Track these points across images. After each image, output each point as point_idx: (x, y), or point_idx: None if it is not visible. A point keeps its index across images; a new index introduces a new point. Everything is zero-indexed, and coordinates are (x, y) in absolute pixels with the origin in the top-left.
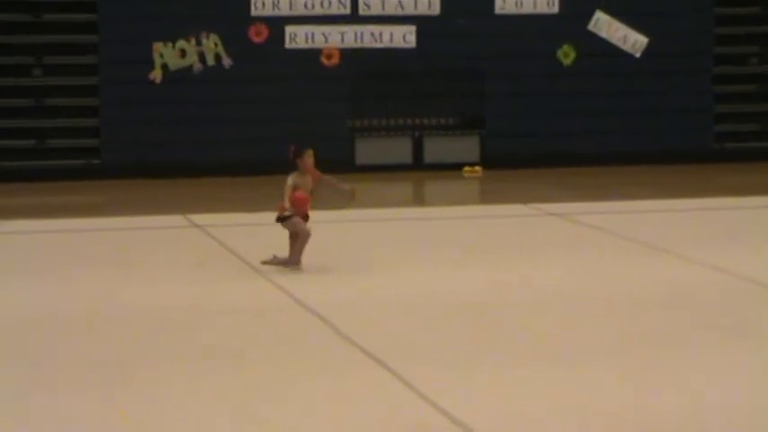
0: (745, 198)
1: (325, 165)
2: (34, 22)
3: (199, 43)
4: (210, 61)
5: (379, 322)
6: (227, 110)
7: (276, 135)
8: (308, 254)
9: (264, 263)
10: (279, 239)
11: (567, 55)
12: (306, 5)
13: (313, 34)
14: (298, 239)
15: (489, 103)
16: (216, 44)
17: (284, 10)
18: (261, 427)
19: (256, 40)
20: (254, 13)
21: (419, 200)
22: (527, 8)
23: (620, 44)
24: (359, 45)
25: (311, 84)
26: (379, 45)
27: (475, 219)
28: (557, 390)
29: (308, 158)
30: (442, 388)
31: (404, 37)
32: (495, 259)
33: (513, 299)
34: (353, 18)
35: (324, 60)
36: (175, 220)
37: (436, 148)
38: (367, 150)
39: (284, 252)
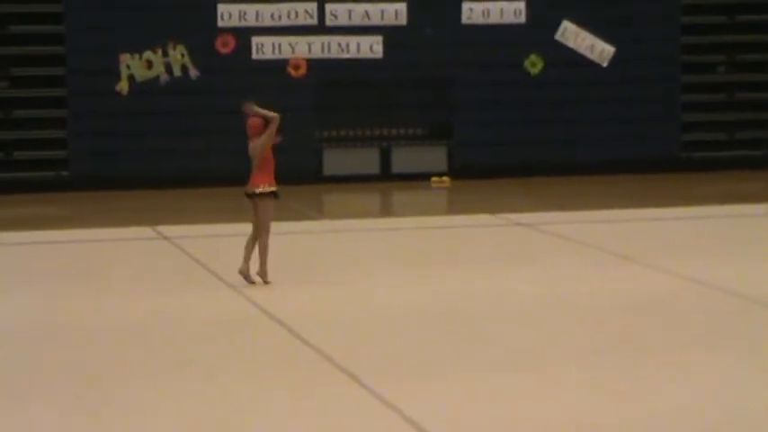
0: (713, 207)
1: (293, 175)
2: (1, 34)
3: (165, 54)
4: (177, 72)
5: (348, 333)
6: (194, 121)
7: (243, 146)
8: (276, 265)
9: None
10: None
11: (534, 64)
12: (273, 16)
13: (280, 45)
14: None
15: (457, 113)
16: (183, 55)
17: (251, 21)
18: None
19: (223, 50)
20: (220, 24)
21: (387, 210)
22: (494, 18)
23: (587, 53)
24: (326, 56)
25: (278, 94)
26: (346, 55)
27: (443, 229)
28: (527, 399)
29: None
30: (411, 398)
31: (371, 47)
32: (464, 269)
33: (483, 308)
34: (320, 29)
35: (291, 71)
36: (144, 231)
37: (404, 159)
38: (335, 161)
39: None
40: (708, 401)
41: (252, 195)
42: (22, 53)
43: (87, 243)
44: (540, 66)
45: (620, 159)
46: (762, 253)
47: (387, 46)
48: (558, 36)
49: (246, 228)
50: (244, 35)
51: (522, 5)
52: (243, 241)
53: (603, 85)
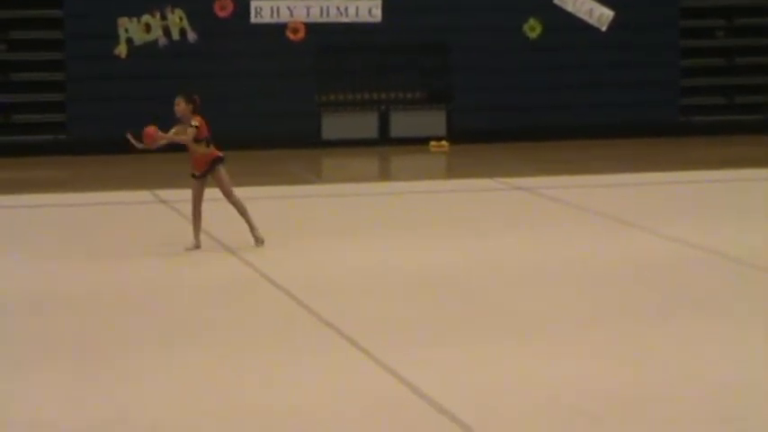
0: (712, 171)
1: (291, 139)
2: None
3: (164, 18)
4: (175, 36)
5: (347, 298)
6: (192, 85)
7: (242, 110)
8: (275, 229)
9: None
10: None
11: (533, 29)
12: None
13: (278, 8)
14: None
15: (456, 77)
16: (181, 18)
17: None
18: (229, 402)
19: (221, 14)
20: None
21: (386, 175)
22: None
23: (586, 17)
24: (324, 19)
25: (277, 59)
26: (344, 19)
27: (442, 193)
28: (526, 363)
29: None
30: (412, 364)
31: (369, 11)
32: (463, 234)
33: (483, 274)
34: None
35: (289, 35)
36: (142, 195)
37: (403, 123)
38: (333, 125)
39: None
40: (708, 367)
41: None
42: (20, 16)
43: (85, 206)
44: (538, 30)
45: (618, 124)
46: (761, 218)
47: (386, 10)
48: (556, 0)
49: (242, 192)
50: None
51: None
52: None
53: (602, 49)
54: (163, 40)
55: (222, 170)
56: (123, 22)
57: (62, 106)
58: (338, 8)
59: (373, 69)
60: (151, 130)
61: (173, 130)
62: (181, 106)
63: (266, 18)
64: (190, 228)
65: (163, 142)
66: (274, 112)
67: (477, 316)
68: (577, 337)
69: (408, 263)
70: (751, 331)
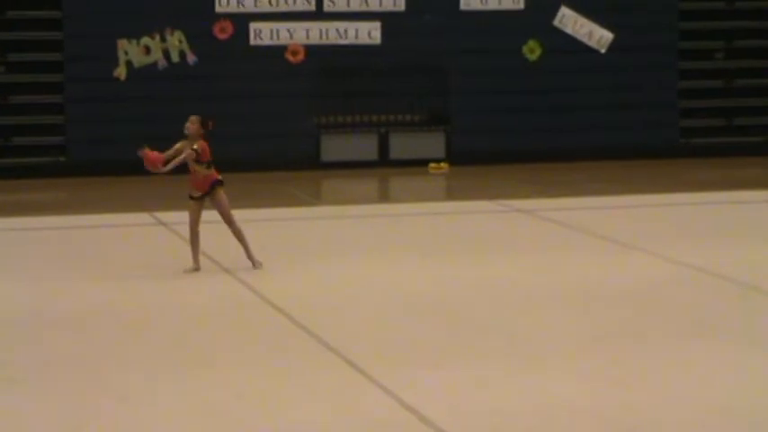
0: (711, 193)
1: (290, 161)
2: None
3: (163, 40)
4: (175, 58)
5: (345, 320)
6: (191, 107)
7: (241, 132)
8: (274, 251)
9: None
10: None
11: (532, 51)
12: (270, 2)
13: (278, 31)
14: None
15: (455, 99)
16: (180, 41)
17: (249, 6)
18: (228, 424)
19: (221, 36)
20: (218, 9)
21: (385, 196)
22: (492, 4)
23: (585, 40)
24: (324, 42)
25: (276, 80)
26: (344, 42)
27: (441, 215)
28: (524, 386)
29: (190, 125)
30: (410, 385)
31: (369, 33)
32: (462, 256)
33: (481, 296)
34: (318, 14)
35: (289, 57)
36: (142, 217)
37: (402, 145)
38: (332, 147)
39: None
40: (707, 389)
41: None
42: (19, 38)
43: (85, 229)
44: (538, 52)
45: (618, 145)
46: (761, 239)
47: (385, 32)
48: (556, 22)
49: (241, 214)
50: (241, 21)
51: None
52: (241, 227)
53: (602, 71)
54: (162, 63)
55: (222, 193)
56: (123, 44)
57: (61, 128)
58: (338, 30)
59: (372, 91)
60: (153, 156)
61: (176, 145)
62: (195, 126)
63: (266, 40)
64: (189, 250)
65: (169, 167)
66: (273, 133)
67: (477, 338)
68: (577, 360)
69: (408, 285)
70: (751, 354)
